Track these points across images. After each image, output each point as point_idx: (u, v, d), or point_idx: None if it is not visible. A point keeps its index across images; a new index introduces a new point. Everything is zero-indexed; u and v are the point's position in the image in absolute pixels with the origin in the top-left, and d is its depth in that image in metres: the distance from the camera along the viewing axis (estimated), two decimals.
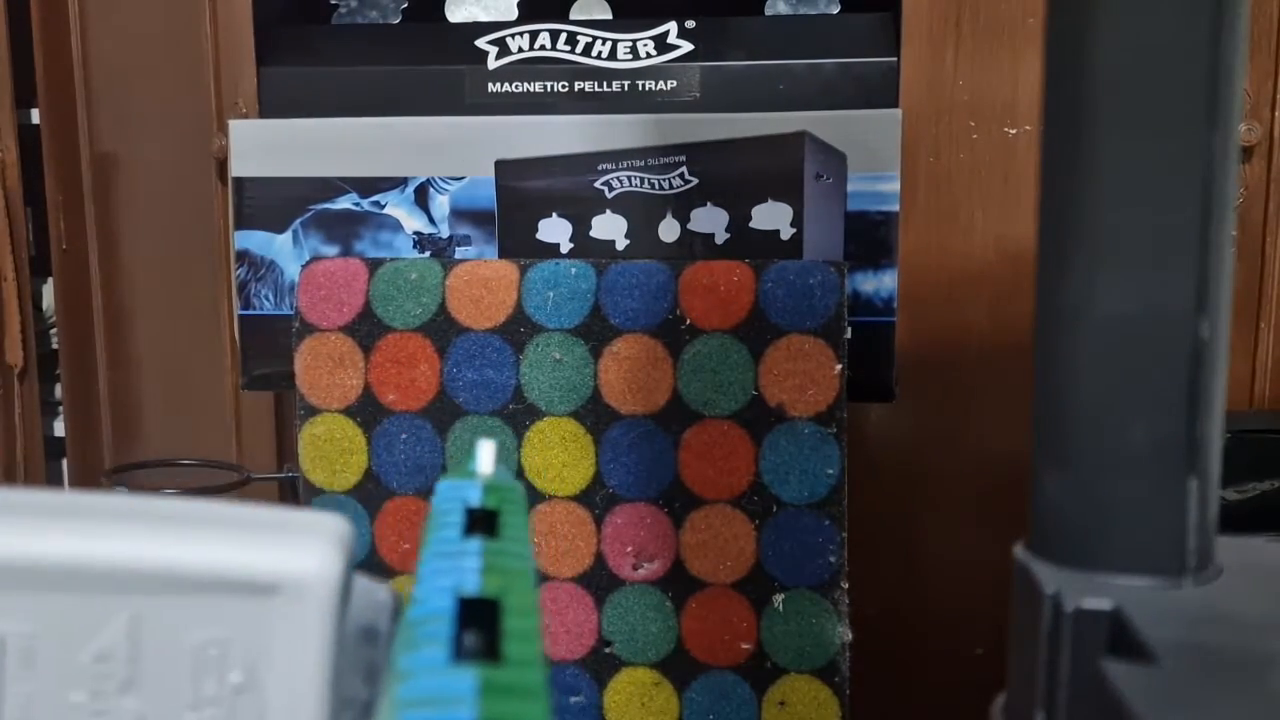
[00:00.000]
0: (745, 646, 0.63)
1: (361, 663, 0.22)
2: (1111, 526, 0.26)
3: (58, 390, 0.90)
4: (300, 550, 0.21)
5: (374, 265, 0.66)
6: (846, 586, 0.62)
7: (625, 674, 0.64)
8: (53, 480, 0.92)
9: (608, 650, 0.65)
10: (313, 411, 0.66)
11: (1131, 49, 0.25)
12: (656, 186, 0.67)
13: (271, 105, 0.71)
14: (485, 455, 0.25)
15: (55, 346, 0.90)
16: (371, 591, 0.22)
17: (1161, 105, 0.24)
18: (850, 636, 0.62)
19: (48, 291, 0.90)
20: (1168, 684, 0.21)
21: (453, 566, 0.19)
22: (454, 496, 0.23)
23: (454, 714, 0.15)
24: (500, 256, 0.69)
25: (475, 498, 0.23)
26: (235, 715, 0.21)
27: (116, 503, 0.21)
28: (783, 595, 0.62)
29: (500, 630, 0.17)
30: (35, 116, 0.86)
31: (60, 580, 0.20)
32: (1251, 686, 0.21)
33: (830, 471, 0.61)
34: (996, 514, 0.80)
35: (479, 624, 0.17)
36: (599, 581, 0.64)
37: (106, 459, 0.89)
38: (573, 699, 0.65)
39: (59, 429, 0.91)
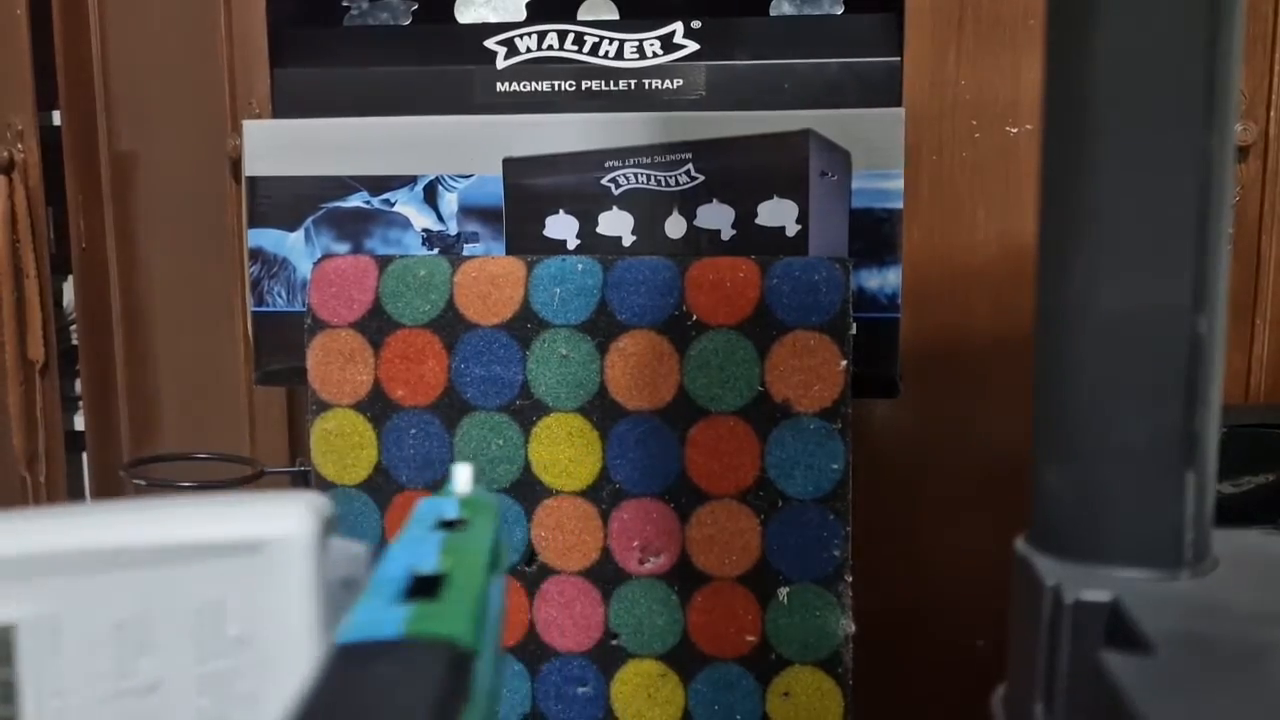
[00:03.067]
0: (750, 639, 0.64)
1: (345, 610, 0.25)
2: (1110, 520, 0.26)
3: (78, 385, 0.91)
4: (278, 513, 0.24)
5: (384, 262, 0.67)
6: (850, 580, 0.62)
7: (632, 665, 0.65)
8: (73, 472, 0.93)
9: (614, 642, 0.65)
10: (324, 406, 0.67)
11: (1129, 50, 0.25)
12: (663, 184, 0.67)
13: (284, 105, 0.71)
14: (462, 477, 0.27)
15: (75, 342, 0.91)
16: (348, 547, 0.25)
17: (1159, 106, 0.25)
18: (853, 629, 0.63)
19: (68, 289, 0.91)
20: (1165, 674, 0.22)
21: (415, 551, 0.22)
22: (431, 511, 0.25)
23: (384, 630, 0.17)
24: (507, 253, 0.69)
25: (451, 511, 0.25)
26: (239, 664, 0.24)
27: (113, 504, 0.24)
28: (787, 589, 0.63)
29: (441, 589, 0.20)
30: (56, 118, 0.87)
31: (77, 564, 0.23)
32: (1246, 675, 0.22)
33: (835, 466, 0.62)
34: (998, 508, 0.81)
35: (426, 590, 0.20)
36: (606, 575, 0.65)
37: (125, 452, 0.90)
38: (580, 689, 0.66)
39: (79, 423, 0.92)
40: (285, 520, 0.23)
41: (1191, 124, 0.25)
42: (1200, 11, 0.25)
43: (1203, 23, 0.25)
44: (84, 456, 0.92)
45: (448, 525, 0.24)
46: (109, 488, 0.91)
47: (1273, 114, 0.75)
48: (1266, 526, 0.70)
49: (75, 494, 0.93)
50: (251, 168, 0.71)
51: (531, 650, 0.66)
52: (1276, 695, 0.21)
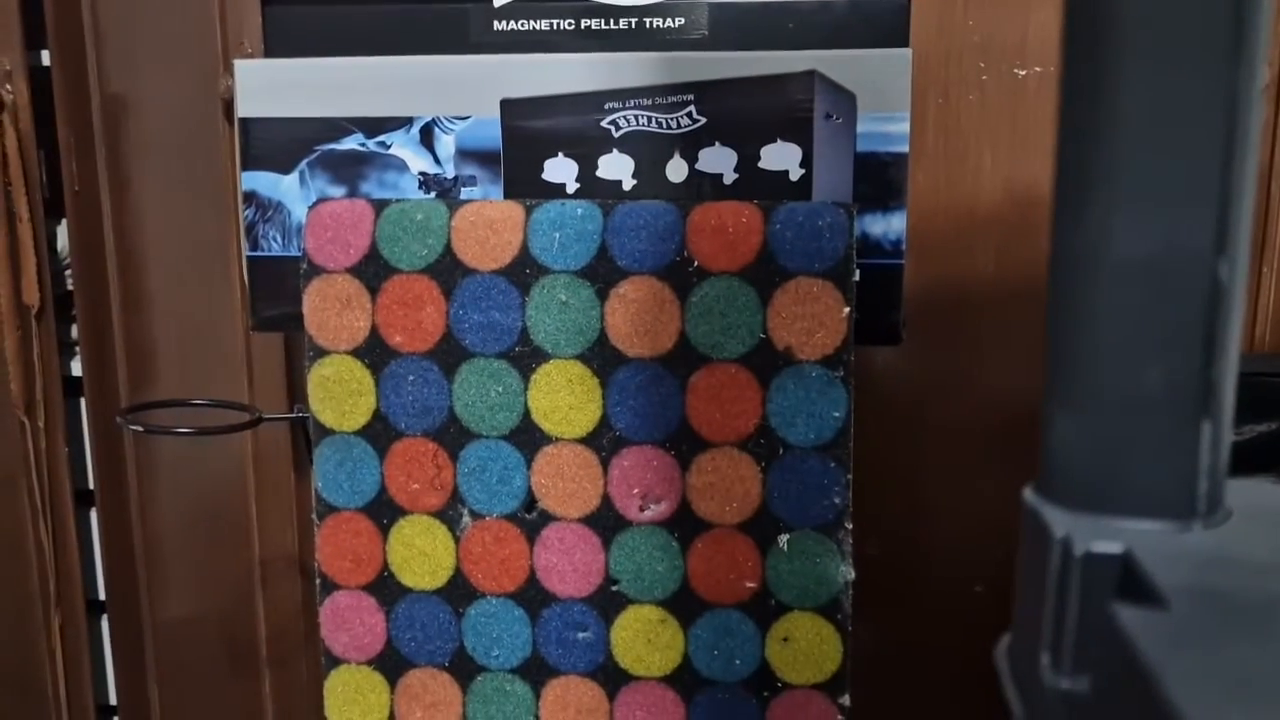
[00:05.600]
0: (750, 585, 0.64)
1: None
2: (1123, 470, 0.26)
3: (74, 330, 0.90)
4: None
5: (380, 206, 0.66)
6: (850, 527, 0.62)
7: (632, 611, 0.65)
8: (71, 418, 0.93)
9: (615, 588, 0.66)
10: (321, 353, 0.66)
11: None
12: (664, 126, 0.66)
13: (277, 45, 0.70)
14: None
15: (70, 287, 0.90)
16: None
17: (1184, 39, 0.24)
18: (853, 575, 0.63)
19: (62, 233, 0.90)
20: (1178, 627, 0.22)
21: None
22: None
23: None
24: (506, 197, 0.68)
25: None
26: None
27: None
28: (787, 536, 0.63)
29: None
30: (45, 58, 0.85)
31: None
32: (1262, 629, 0.22)
33: (837, 414, 0.61)
34: (998, 456, 0.81)
35: None
36: (606, 522, 0.65)
37: (123, 398, 0.90)
38: (580, 634, 0.66)
39: (76, 368, 0.91)
40: None
41: (1218, 58, 0.24)
42: None
43: None
44: (82, 402, 0.92)
45: None
46: (107, 433, 0.91)
47: None
48: (1267, 475, 0.70)
49: (74, 440, 0.93)
50: (244, 109, 0.70)
51: (532, 596, 0.66)
52: None
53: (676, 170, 0.66)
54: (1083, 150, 0.25)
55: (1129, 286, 0.25)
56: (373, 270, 0.65)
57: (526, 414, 0.65)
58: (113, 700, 0.96)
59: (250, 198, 0.70)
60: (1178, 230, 0.24)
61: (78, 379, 0.91)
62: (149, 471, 0.92)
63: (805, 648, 0.64)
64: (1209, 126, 0.24)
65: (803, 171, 0.65)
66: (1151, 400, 0.25)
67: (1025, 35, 0.76)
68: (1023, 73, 0.76)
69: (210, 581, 0.93)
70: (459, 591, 0.67)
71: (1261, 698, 0.19)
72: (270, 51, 0.70)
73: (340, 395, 0.66)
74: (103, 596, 0.94)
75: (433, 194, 0.69)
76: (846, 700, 0.64)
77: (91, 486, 0.92)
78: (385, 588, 0.68)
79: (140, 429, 0.74)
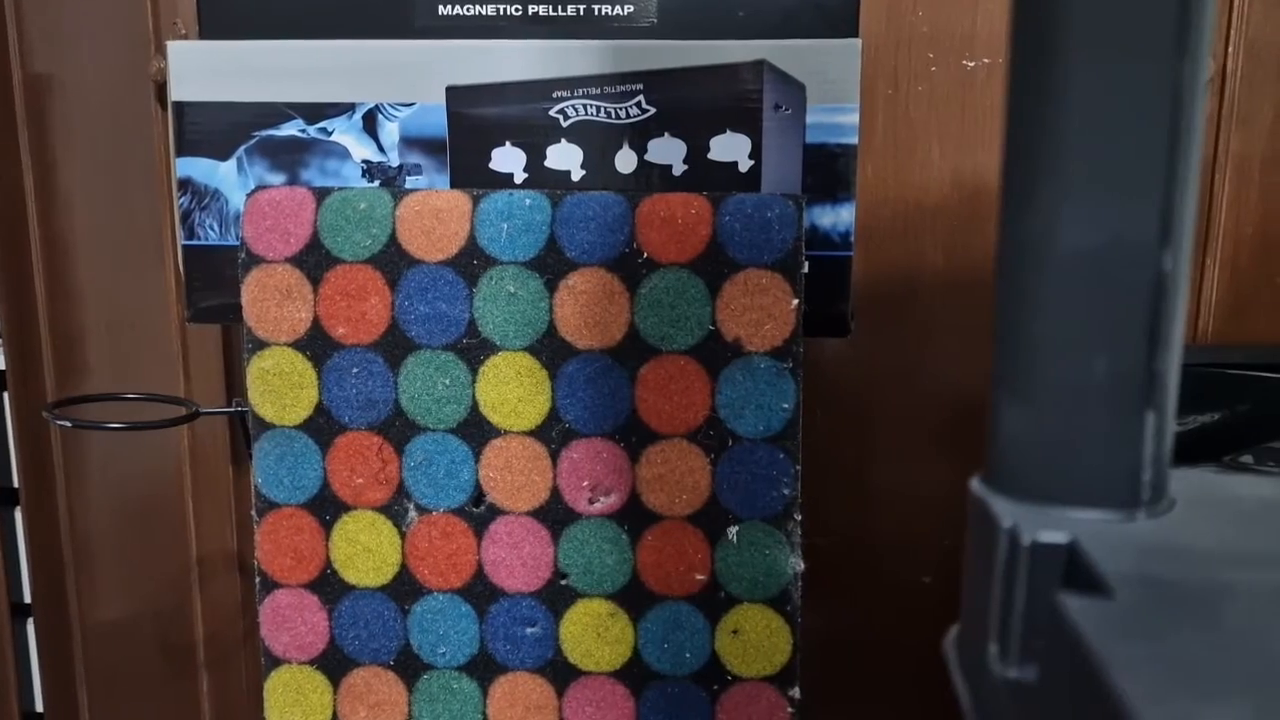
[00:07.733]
0: (699, 577, 0.64)
1: None
2: (1069, 460, 0.26)
3: None
4: None
5: (321, 194, 0.64)
6: (799, 518, 0.62)
7: (581, 605, 0.65)
8: None
9: (564, 582, 0.65)
10: (261, 345, 0.65)
11: None
12: (613, 116, 0.65)
13: (212, 25, 0.68)
14: None
15: None
16: None
17: (1130, 34, 0.24)
18: (802, 566, 0.63)
19: None
20: (1123, 616, 0.22)
21: None
22: None
23: None
24: (452, 186, 0.67)
25: None
26: None
27: None
28: (737, 527, 0.63)
29: None
30: None
31: None
32: (1205, 617, 0.22)
33: (786, 406, 0.61)
34: (946, 447, 0.82)
35: None
36: (555, 515, 0.64)
37: (49, 391, 0.87)
38: (529, 630, 0.66)
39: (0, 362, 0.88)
40: None
41: (1163, 52, 0.24)
42: None
43: None
44: (5, 397, 0.89)
45: None
46: (32, 429, 0.88)
47: (1230, 49, 0.75)
48: (1208, 464, 0.71)
49: None
50: (178, 92, 0.67)
51: (479, 592, 0.66)
52: (1235, 637, 0.21)
53: (626, 161, 0.66)
54: (1030, 142, 0.25)
55: (1075, 278, 0.25)
56: (314, 260, 0.64)
57: (474, 407, 0.64)
58: (39, 707, 0.94)
59: (185, 185, 0.68)
60: (1123, 222, 0.24)
61: (1, 372, 0.88)
62: (78, 468, 0.89)
63: (755, 640, 0.64)
64: (1154, 119, 0.24)
65: (752, 163, 0.65)
66: (1097, 391, 0.25)
67: (974, 26, 0.76)
68: (971, 64, 0.77)
69: (144, 582, 0.91)
70: (404, 588, 0.66)
71: (1205, 685, 0.19)
72: (205, 32, 0.68)
73: (281, 388, 0.65)
74: (28, 599, 0.91)
75: (376, 182, 0.68)
76: (796, 692, 0.64)
77: (15, 484, 0.89)
78: (328, 585, 0.67)
79: (68, 424, 0.72)
